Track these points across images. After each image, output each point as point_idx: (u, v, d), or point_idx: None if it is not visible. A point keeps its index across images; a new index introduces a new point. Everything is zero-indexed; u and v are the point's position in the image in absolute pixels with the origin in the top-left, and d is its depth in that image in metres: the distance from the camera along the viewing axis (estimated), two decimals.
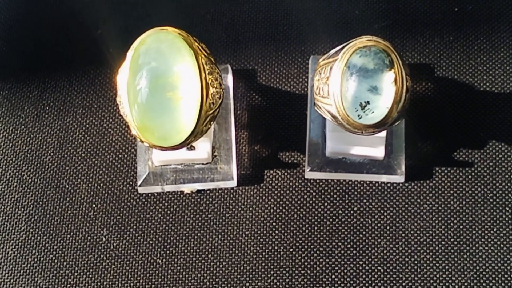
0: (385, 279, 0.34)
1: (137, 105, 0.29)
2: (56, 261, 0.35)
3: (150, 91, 0.29)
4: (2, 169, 0.37)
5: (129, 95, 0.29)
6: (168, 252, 0.35)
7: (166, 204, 0.36)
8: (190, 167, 0.35)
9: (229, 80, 0.37)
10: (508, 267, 0.34)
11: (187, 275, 0.35)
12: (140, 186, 0.35)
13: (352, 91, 0.29)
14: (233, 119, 0.36)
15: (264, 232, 0.35)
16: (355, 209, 0.35)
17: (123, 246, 0.35)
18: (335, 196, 0.35)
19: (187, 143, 0.30)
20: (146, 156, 0.35)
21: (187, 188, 0.35)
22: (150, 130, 0.29)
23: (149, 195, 0.36)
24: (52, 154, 0.37)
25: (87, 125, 0.38)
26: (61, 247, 0.35)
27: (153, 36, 0.30)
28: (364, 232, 0.35)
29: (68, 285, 0.35)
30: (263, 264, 0.35)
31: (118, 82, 0.30)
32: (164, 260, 0.35)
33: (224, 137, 0.36)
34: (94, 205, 0.36)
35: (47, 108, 0.38)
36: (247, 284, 0.34)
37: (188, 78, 0.29)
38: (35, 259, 0.35)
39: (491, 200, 0.35)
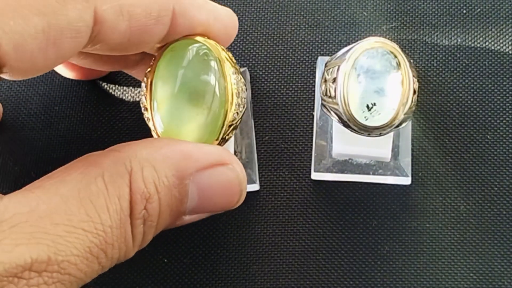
0: (391, 279, 0.34)
1: (161, 112, 0.29)
2: None
3: (175, 99, 0.29)
4: (10, 167, 0.37)
5: (153, 102, 0.29)
6: (174, 250, 0.35)
7: None
8: None
9: (247, 84, 0.36)
10: None
11: (192, 273, 0.35)
12: None
13: (359, 92, 0.29)
14: (253, 123, 0.36)
15: (270, 233, 0.35)
16: (362, 210, 0.35)
17: None
18: (341, 197, 0.35)
19: None
20: None
21: None
22: (173, 137, 0.29)
23: None
24: (59, 151, 0.37)
25: (94, 123, 0.38)
26: None
27: (182, 43, 0.30)
28: (370, 233, 0.35)
29: None
30: (269, 264, 0.35)
31: (143, 87, 0.30)
32: (169, 258, 0.35)
33: (245, 141, 0.35)
34: None
35: (56, 107, 0.38)
36: (250, 285, 0.34)
37: (214, 88, 0.29)
38: None
39: (498, 201, 0.35)
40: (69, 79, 0.38)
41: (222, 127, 0.29)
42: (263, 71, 0.38)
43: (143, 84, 0.30)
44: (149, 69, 0.30)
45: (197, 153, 0.27)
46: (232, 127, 0.30)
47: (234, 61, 0.30)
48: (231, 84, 0.29)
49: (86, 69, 0.36)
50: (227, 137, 0.30)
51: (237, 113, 0.30)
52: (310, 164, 0.36)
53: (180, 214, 0.27)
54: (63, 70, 0.37)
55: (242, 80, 0.31)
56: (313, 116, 0.36)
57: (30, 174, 0.37)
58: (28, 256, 0.22)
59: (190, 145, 0.27)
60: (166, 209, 0.26)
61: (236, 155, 0.35)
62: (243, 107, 0.30)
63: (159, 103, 0.29)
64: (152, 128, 0.30)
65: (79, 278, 0.23)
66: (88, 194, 0.24)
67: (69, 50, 0.25)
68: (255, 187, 0.35)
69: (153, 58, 0.30)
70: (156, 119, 0.29)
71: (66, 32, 0.24)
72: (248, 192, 0.35)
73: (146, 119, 0.30)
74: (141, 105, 0.30)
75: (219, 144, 0.30)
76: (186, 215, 0.28)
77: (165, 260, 0.35)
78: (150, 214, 0.25)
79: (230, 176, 0.28)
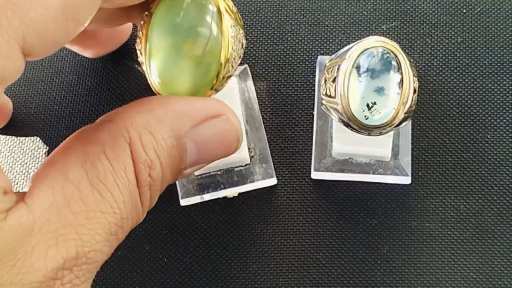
0: (390, 279, 0.34)
1: (156, 60, 0.29)
2: None
3: (169, 48, 0.28)
4: (9, 166, 0.37)
5: (148, 48, 0.29)
6: (174, 250, 0.35)
7: (171, 199, 0.36)
8: (229, 172, 0.35)
9: (250, 80, 0.36)
10: None
11: (192, 273, 0.35)
12: (182, 198, 0.35)
13: (359, 91, 0.29)
14: (261, 117, 0.36)
15: (270, 232, 0.35)
16: (362, 209, 0.35)
17: (129, 244, 0.35)
18: (341, 196, 0.35)
19: None
20: None
21: (229, 193, 0.35)
22: (166, 87, 0.29)
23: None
24: None
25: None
26: None
27: None
28: (370, 233, 0.35)
29: None
30: (269, 263, 0.35)
31: (139, 30, 0.29)
32: (169, 258, 0.35)
33: (256, 136, 0.35)
34: None
35: (56, 107, 0.38)
36: (250, 285, 0.34)
37: (210, 39, 0.28)
38: None
39: (498, 201, 0.35)
40: (69, 79, 0.38)
41: (217, 78, 0.29)
42: (263, 70, 0.38)
43: (139, 27, 0.29)
44: (146, 13, 0.29)
45: (190, 109, 0.27)
46: (225, 78, 0.29)
47: (235, 10, 0.30)
48: (228, 36, 0.29)
49: (99, 44, 0.36)
50: (220, 88, 0.30)
51: (232, 65, 0.29)
52: (310, 163, 0.36)
53: (181, 171, 0.28)
54: (78, 49, 0.37)
55: (242, 31, 0.30)
56: (313, 115, 0.36)
57: (30, 173, 0.37)
58: (60, 257, 0.23)
59: (182, 101, 0.27)
60: (167, 170, 0.26)
61: (250, 151, 0.35)
62: (239, 58, 0.30)
63: (154, 50, 0.29)
64: (146, 73, 0.29)
65: (102, 260, 0.24)
66: (96, 174, 0.24)
67: (87, 18, 0.25)
68: (273, 181, 0.35)
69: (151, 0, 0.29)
70: (150, 65, 0.29)
71: (82, 2, 0.24)
72: (254, 190, 0.35)
73: (140, 62, 0.29)
74: (137, 49, 0.30)
75: (213, 93, 0.29)
76: (186, 169, 0.28)
77: (165, 260, 0.35)
78: (155, 179, 0.26)
79: (225, 127, 0.28)
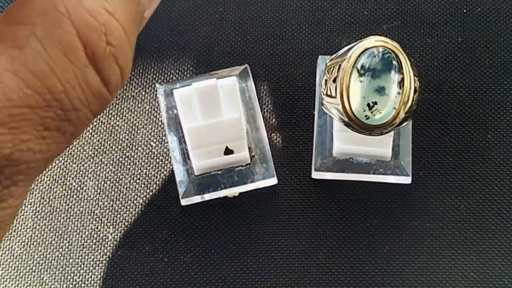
0: (391, 278, 0.34)
1: None
2: (62, 258, 0.35)
3: None
4: None
5: None
6: (174, 250, 0.35)
7: (171, 199, 0.36)
8: (230, 172, 0.35)
9: (250, 80, 0.36)
10: None
11: (193, 272, 0.35)
12: (182, 198, 0.35)
13: (360, 91, 0.29)
14: (261, 117, 0.36)
15: (270, 232, 0.35)
16: (362, 209, 0.35)
17: (130, 244, 0.35)
18: (342, 196, 0.35)
19: None
20: (184, 167, 0.35)
21: (229, 193, 0.35)
22: None
23: (146, 194, 0.36)
24: None
25: (94, 123, 0.38)
26: (67, 244, 0.35)
27: None
28: (370, 233, 0.35)
29: (74, 282, 0.35)
30: (269, 264, 0.35)
31: None
32: (170, 257, 0.35)
33: (257, 136, 0.35)
34: (100, 203, 0.36)
35: None
36: (251, 285, 0.34)
37: None
38: (41, 256, 0.35)
39: (498, 201, 0.35)
40: None
41: None
42: (264, 69, 0.38)
43: None
44: None
45: None
46: None
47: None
48: None
49: None
50: None
51: None
52: (311, 163, 0.36)
53: (141, 15, 0.23)
54: None
55: None
56: (313, 115, 0.36)
57: None
58: None
59: None
60: (130, 24, 0.22)
61: (250, 151, 0.35)
62: None
63: None
64: None
65: (38, 159, 0.21)
66: (24, 62, 0.20)
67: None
68: (273, 181, 0.35)
69: None
70: None
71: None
72: (254, 190, 0.35)
73: None
74: None
75: None
76: (145, 11, 0.23)
77: (165, 260, 0.35)
78: (118, 46, 0.22)
79: None
